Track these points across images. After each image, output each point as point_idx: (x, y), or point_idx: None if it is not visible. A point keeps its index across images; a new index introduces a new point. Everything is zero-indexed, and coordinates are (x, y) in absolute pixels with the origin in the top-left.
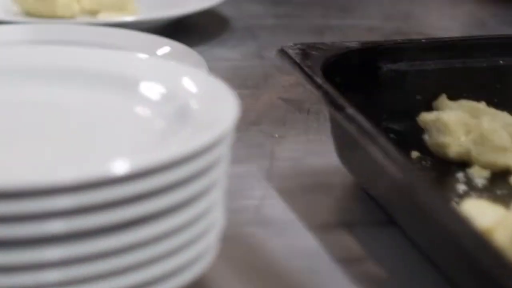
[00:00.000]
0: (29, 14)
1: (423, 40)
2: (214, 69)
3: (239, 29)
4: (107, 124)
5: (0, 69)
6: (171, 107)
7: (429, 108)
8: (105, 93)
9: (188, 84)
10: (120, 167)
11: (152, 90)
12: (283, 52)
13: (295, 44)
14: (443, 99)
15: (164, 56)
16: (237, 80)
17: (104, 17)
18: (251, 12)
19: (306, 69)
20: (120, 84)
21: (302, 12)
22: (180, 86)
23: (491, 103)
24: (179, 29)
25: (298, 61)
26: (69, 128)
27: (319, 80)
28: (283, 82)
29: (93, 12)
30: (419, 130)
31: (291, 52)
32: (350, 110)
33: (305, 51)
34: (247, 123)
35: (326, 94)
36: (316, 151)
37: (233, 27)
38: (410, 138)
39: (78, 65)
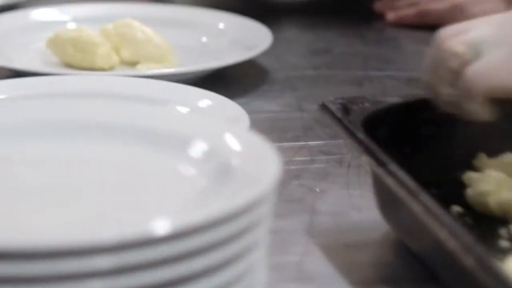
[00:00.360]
0: (68, 65)
1: None
2: (253, 121)
3: (278, 81)
4: (149, 182)
5: (38, 122)
6: (213, 164)
7: (471, 163)
8: (146, 150)
9: (230, 141)
10: (161, 227)
11: (194, 147)
12: (324, 107)
13: (336, 99)
14: (482, 158)
15: (206, 108)
16: (276, 133)
17: (143, 68)
18: (290, 63)
19: (347, 124)
20: (163, 141)
21: (341, 63)
22: (222, 143)
23: None
24: (218, 80)
25: (339, 116)
26: (109, 186)
27: (361, 135)
28: (323, 134)
29: (133, 64)
30: (461, 185)
31: (332, 107)
32: (392, 166)
33: (346, 106)
34: (287, 177)
35: (367, 150)
36: (357, 205)
37: (273, 78)
38: (452, 192)
39: (120, 121)
